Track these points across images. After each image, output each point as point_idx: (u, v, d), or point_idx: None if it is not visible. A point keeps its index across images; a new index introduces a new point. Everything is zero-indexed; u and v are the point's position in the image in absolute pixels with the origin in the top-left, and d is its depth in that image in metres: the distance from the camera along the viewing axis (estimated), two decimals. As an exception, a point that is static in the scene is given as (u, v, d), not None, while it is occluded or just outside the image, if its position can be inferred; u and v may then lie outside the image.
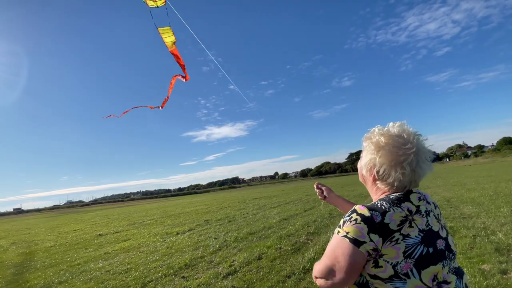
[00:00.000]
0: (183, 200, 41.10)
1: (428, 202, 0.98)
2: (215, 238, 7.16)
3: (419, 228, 0.88)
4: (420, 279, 0.83)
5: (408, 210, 0.90)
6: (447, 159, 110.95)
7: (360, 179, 1.13)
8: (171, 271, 4.82)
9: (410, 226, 0.87)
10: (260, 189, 53.61)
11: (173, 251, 6.31)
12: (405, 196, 0.94)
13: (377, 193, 1.02)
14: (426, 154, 0.97)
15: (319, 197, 1.62)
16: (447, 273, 0.87)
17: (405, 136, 0.97)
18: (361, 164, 1.08)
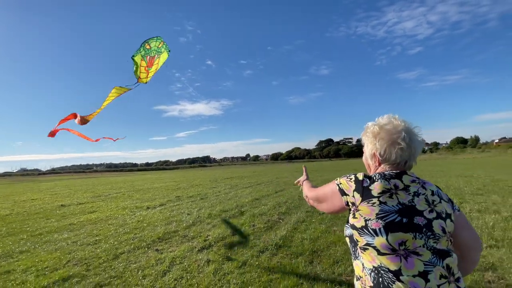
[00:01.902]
0: (151, 175, 40.09)
1: (424, 188, 1.09)
2: (188, 214, 7.17)
3: (399, 201, 1.02)
4: (387, 239, 0.97)
5: (394, 185, 1.05)
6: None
7: (366, 168, 1.27)
8: (144, 244, 4.79)
9: (390, 197, 1.03)
10: (231, 169, 53.94)
11: (145, 225, 6.24)
12: (397, 175, 1.08)
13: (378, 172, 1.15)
14: (415, 134, 1.14)
15: (298, 182, 1.79)
16: (421, 246, 0.97)
17: (393, 121, 1.15)
18: (366, 155, 1.23)
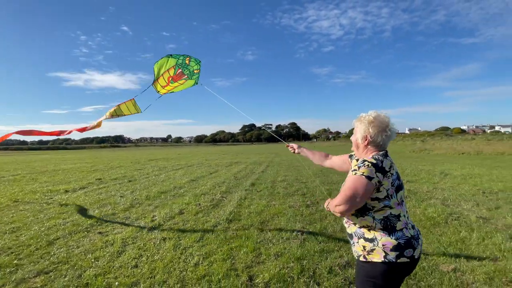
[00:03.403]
0: (50, 155, 33.81)
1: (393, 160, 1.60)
2: (121, 197, 6.71)
3: (395, 171, 1.49)
4: (396, 197, 1.45)
5: (390, 161, 1.49)
6: (315, 139, 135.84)
7: (354, 146, 1.65)
8: (80, 228, 4.38)
9: (392, 169, 1.46)
10: (151, 150, 50.47)
11: (72, 209, 5.58)
12: (386, 154, 1.52)
13: (368, 153, 1.56)
14: (393, 125, 1.58)
15: (292, 151, 2.22)
16: (404, 197, 1.53)
17: (381, 115, 1.57)
18: (356, 136, 1.61)
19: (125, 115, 4.26)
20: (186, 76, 4.04)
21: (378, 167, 1.40)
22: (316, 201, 5.89)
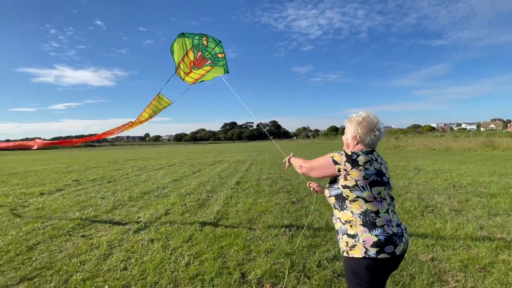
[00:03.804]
0: (17, 156, 31.72)
1: (382, 159, 1.69)
2: (102, 198, 6.49)
3: (375, 168, 1.57)
4: (370, 191, 1.52)
5: (371, 158, 1.59)
6: (295, 137, 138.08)
7: (345, 145, 1.76)
8: (61, 231, 4.21)
9: (370, 165, 1.56)
10: (129, 150, 48.87)
11: (50, 212, 5.33)
12: (371, 151, 1.63)
13: (356, 149, 1.66)
14: (382, 124, 1.69)
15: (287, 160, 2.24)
16: (386, 194, 1.59)
17: (371, 115, 1.67)
18: (347, 136, 1.72)
19: (160, 110, 3.89)
20: (209, 61, 3.55)
21: (350, 158, 1.53)
22: (301, 197, 6.04)
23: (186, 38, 3.39)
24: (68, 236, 4.03)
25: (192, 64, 3.56)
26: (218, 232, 4.08)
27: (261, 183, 7.99)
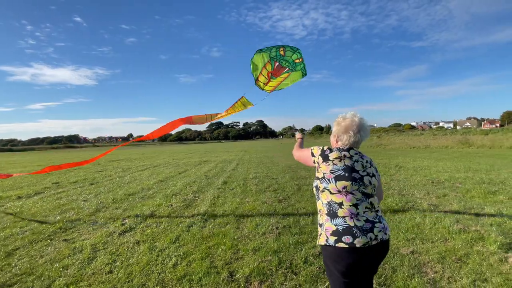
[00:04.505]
0: (-9, 159, 30.07)
1: (362, 158, 1.75)
2: (84, 201, 6.31)
3: (345, 164, 1.66)
4: (335, 184, 1.62)
5: (343, 155, 1.69)
6: (281, 137, 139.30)
7: (331, 143, 1.88)
8: (42, 236, 4.06)
9: (340, 161, 1.67)
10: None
11: (28, 216, 5.13)
12: (347, 150, 1.73)
13: (336, 146, 1.81)
14: (365, 127, 1.78)
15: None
16: (355, 190, 1.63)
17: (352, 118, 1.77)
18: (332, 135, 1.86)
19: (240, 110, 4.32)
20: (287, 68, 3.81)
21: (323, 153, 1.73)
22: (287, 196, 6.12)
23: (263, 53, 3.71)
24: (49, 241, 3.90)
25: (270, 74, 3.90)
26: (206, 232, 4.07)
27: (248, 183, 8.02)
